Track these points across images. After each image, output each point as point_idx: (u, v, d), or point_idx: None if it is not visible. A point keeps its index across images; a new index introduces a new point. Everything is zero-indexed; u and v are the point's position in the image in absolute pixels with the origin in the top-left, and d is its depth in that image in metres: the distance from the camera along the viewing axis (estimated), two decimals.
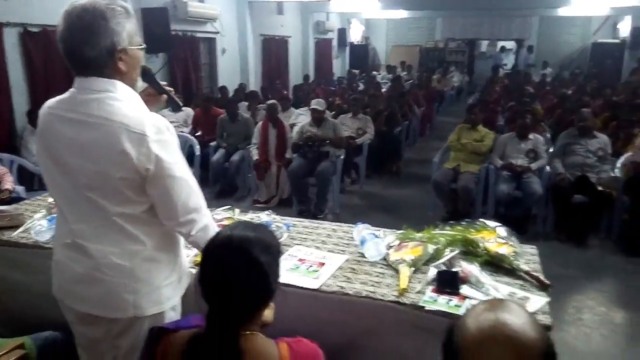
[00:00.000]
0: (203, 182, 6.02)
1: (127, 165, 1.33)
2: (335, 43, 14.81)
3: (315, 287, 1.68)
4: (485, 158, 5.13)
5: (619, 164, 4.68)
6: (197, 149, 5.53)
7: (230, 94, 7.99)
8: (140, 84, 1.52)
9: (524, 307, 0.92)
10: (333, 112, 7.14)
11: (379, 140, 6.58)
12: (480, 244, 1.78)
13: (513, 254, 1.75)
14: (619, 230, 4.45)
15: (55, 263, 1.50)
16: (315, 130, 5.42)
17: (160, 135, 1.37)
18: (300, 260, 1.86)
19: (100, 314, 1.45)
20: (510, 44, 16.83)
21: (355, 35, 16.37)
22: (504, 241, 1.80)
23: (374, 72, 14.51)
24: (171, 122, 1.48)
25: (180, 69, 7.88)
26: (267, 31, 10.68)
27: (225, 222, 2.08)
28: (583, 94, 7.93)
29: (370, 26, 17.20)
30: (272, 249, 1.11)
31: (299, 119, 6.57)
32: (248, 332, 1.09)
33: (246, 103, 7.15)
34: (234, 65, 9.59)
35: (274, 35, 11.01)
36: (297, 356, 1.08)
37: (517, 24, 15.61)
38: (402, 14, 14.50)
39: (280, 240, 1.19)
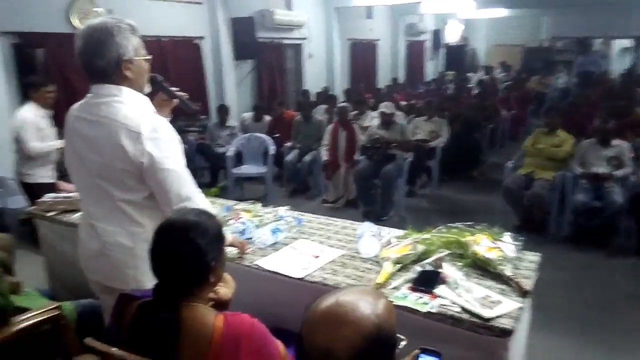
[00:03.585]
0: (278, 180, 6.36)
1: (124, 158, 1.56)
2: (428, 45, 14.53)
3: (300, 276, 1.79)
4: (563, 165, 4.79)
5: None
6: (272, 149, 5.84)
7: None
8: (148, 89, 1.75)
9: (372, 293, 0.96)
10: (412, 115, 7.11)
11: (456, 144, 6.42)
12: (470, 247, 1.77)
13: (501, 258, 1.71)
14: None
15: (79, 240, 1.80)
16: (382, 132, 5.46)
17: (154, 134, 1.58)
18: (298, 252, 1.99)
19: (109, 284, 1.72)
20: (628, 42, 15.21)
21: (452, 35, 15.91)
22: (494, 246, 1.77)
23: (469, 74, 14.02)
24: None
25: (267, 74, 8.33)
26: (355, 35, 10.84)
27: (244, 214, 2.27)
28: None
29: (469, 26, 16.60)
30: (209, 232, 1.26)
31: (373, 122, 6.63)
32: (189, 304, 1.24)
33: (325, 106, 7.37)
34: (320, 69, 9.88)
35: (362, 39, 11.13)
36: (231, 327, 1.21)
37: (637, 19, 14.04)
38: (503, 12, 13.82)
39: (220, 226, 1.33)
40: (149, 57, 1.70)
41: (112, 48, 1.58)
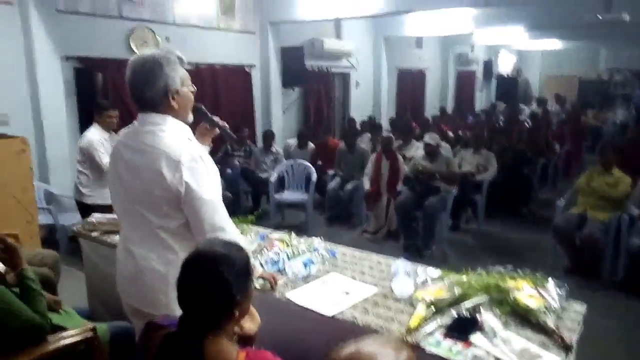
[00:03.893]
0: (319, 207, 6.35)
1: (163, 185, 1.60)
2: (479, 75, 14.33)
3: (330, 314, 1.75)
4: (618, 205, 4.52)
5: None
6: (314, 176, 5.86)
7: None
8: (192, 118, 1.79)
9: (394, 345, 0.91)
10: (459, 147, 6.98)
11: (505, 178, 6.22)
12: (511, 294, 1.67)
13: (543, 308, 1.60)
14: None
15: (117, 262, 1.84)
16: (426, 163, 5.37)
17: (193, 163, 1.61)
18: (329, 286, 1.95)
19: (141, 308, 1.74)
20: None
21: (504, 66, 15.64)
22: (537, 293, 1.66)
23: (521, 106, 13.67)
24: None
25: (313, 101, 8.44)
26: (403, 64, 10.85)
27: (278, 243, 2.26)
28: None
29: (522, 56, 16.29)
30: (237, 265, 1.25)
31: (417, 152, 6.54)
32: (214, 337, 1.23)
33: (369, 135, 7.36)
34: (367, 98, 9.92)
35: (410, 68, 11.13)
36: None
37: None
38: (558, 43, 13.49)
39: (248, 259, 1.31)
40: (194, 88, 1.75)
41: (161, 79, 1.64)
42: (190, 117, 1.79)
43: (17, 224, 3.45)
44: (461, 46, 12.62)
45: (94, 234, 2.63)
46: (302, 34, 7.92)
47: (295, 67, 7.57)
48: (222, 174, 5.87)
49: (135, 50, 5.62)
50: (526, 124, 9.30)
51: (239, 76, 7.10)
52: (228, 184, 5.95)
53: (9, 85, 4.72)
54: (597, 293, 4.20)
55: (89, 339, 1.90)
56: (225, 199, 5.77)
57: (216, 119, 1.94)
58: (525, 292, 1.68)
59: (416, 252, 5.12)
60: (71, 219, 4.51)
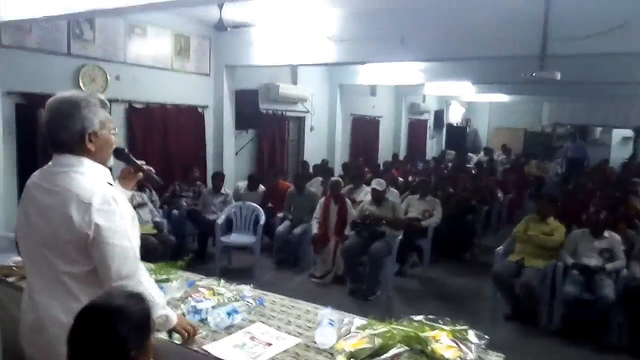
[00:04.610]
0: (267, 250, 6.27)
1: (71, 228, 1.54)
2: (431, 124, 14.90)
3: None
4: (554, 254, 4.70)
5: None
6: (262, 219, 5.81)
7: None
8: (112, 162, 1.76)
9: None
10: (407, 193, 7.13)
11: (449, 224, 6.37)
12: (430, 344, 1.68)
13: (458, 359, 1.61)
14: None
15: (21, 311, 1.73)
16: (373, 208, 5.45)
17: (105, 206, 1.56)
18: (251, 338, 1.90)
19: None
20: (628, 132, 15.49)
21: (454, 116, 16.34)
22: (454, 344, 1.68)
23: (470, 154, 14.24)
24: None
25: (267, 144, 8.49)
26: (358, 111, 11.15)
27: (204, 291, 2.20)
28: None
29: (471, 108, 17.09)
30: (133, 319, 1.20)
31: (366, 197, 6.64)
32: None
33: (321, 179, 7.43)
34: (321, 142, 10.07)
35: (364, 115, 11.44)
36: None
37: (638, 110, 14.39)
38: (504, 97, 14.27)
39: (148, 312, 1.27)
40: (115, 131, 1.73)
41: (78, 121, 1.61)
42: (111, 161, 1.75)
43: None
44: (414, 96, 13.14)
45: (10, 279, 2.48)
46: (258, 78, 8.05)
47: (249, 109, 7.64)
48: (169, 216, 5.84)
49: (83, 88, 5.54)
50: (472, 171, 9.66)
51: (191, 116, 7.08)
52: (173, 225, 5.81)
53: None
54: (534, 340, 4.30)
55: None
56: (168, 243, 5.59)
57: (140, 162, 1.91)
58: (443, 342, 1.69)
59: (362, 296, 5.11)
60: (4, 259, 4.25)
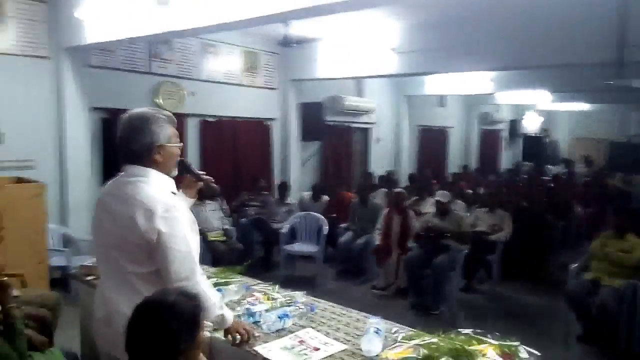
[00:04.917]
0: (331, 260, 6.34)
1: (137, 233, 1.69)
2: (505, 134, 14.33)
3: None
4: (633, 272, 4.36)
5: None
6: (326, 229, 5.89)
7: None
8: (176, 172, 1.91)
9: None
10: (476, 205, 6.91)
11: (521, 240, 6.09)
12: (476, 358, 1.65)
13: None
14: None
15: (93, 306, 1.92)
16: (437, 221, 5.35)
17: (167, 213, 1.71)
18: (300, 342, 1.96)
19: (111, 352, 1.79)
20: None
21: (531, 126, 15.59)
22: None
23: (549, 166, 13.50)
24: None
25: (332, 155, 8.61)
26: (425, 122, 11.00)
27: (259, 295, 2.30)
28: None
29: (550, 117, 16.23)
30: (184, 315, 1.30)
31: (432, 209, 6.52)
32: None
33: (385, 190, 7.40)
34: (387, 153, 10.04)
35: (432, 126, 11.26)
36: None
37: None
38: (585, 106, 13.44)
39: (199, 309, 1.36)
40: (180, 144, 1.88)
41: (147, 135, 1.77)
42: (175, 171, 1.90)
43: (27, 265, 3.59)
44: (486, 105, 12.72)
45: (89, 277, 2.73)
46: (324, 90, 8.20)
47: (315, 121, 7.80)
48: (237, 224, 6.09)
49: (161, 103, 5.96)
50: (549, 184, 9.17)
51: (258, 129, 7.38)
52: (241, 233, 6.04)
53: (38, 132, 5.06)
54: None
55: None
56: (235, 249, 5.83)
57: (201, 172, 2.06)
58: (490, 357, 1.66)
59: (424, 310, 5.01)
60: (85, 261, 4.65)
